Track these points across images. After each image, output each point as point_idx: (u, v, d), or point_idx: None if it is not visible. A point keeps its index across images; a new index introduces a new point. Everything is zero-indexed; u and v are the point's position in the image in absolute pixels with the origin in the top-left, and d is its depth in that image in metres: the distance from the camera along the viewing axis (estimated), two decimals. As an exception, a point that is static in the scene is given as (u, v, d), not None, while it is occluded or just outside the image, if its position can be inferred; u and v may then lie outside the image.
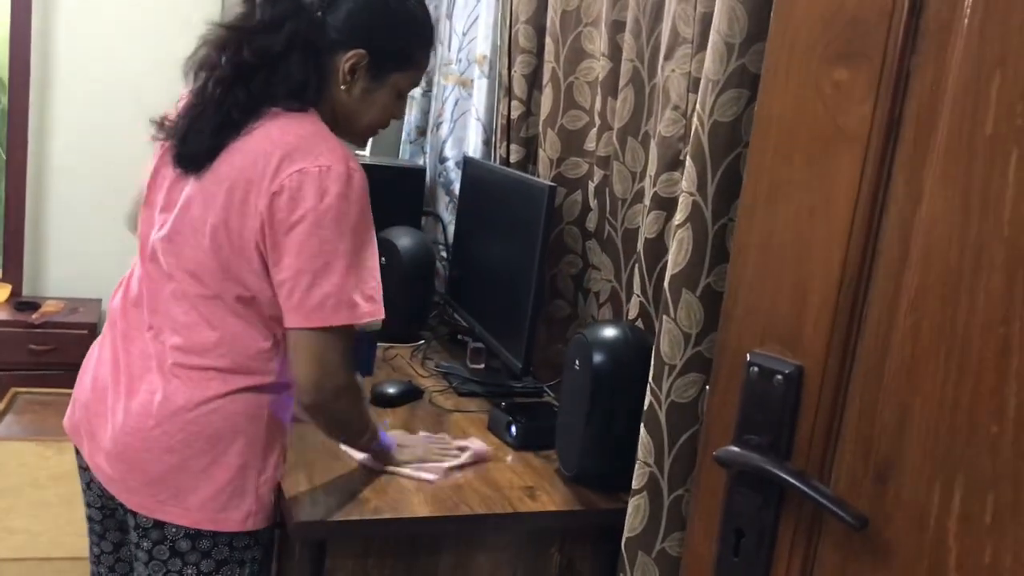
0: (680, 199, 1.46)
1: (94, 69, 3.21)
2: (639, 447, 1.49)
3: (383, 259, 2.36)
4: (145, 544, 1.38)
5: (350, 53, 1.35)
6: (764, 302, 0.82)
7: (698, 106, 1.44)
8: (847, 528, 0.75)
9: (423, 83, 2.79)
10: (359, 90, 1.39)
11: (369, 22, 1.36)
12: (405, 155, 2.86)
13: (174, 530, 1.37)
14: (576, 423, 1.61)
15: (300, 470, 1.56)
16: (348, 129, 1.44)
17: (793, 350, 0.78)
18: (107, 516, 1.53)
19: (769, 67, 0.84)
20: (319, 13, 1.34)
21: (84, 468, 1.50)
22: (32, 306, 3.09)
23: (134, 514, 1.38)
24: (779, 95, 0.82)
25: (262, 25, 1.33)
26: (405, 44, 1.41)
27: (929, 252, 0.73)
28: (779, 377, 0.79)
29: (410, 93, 2.77)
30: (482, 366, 2.21)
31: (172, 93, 1.52)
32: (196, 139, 1.34)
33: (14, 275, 3.22)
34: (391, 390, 1.99)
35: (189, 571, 1.38)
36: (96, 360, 1.48)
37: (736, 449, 0.81)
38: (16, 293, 3.21)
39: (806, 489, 0.76)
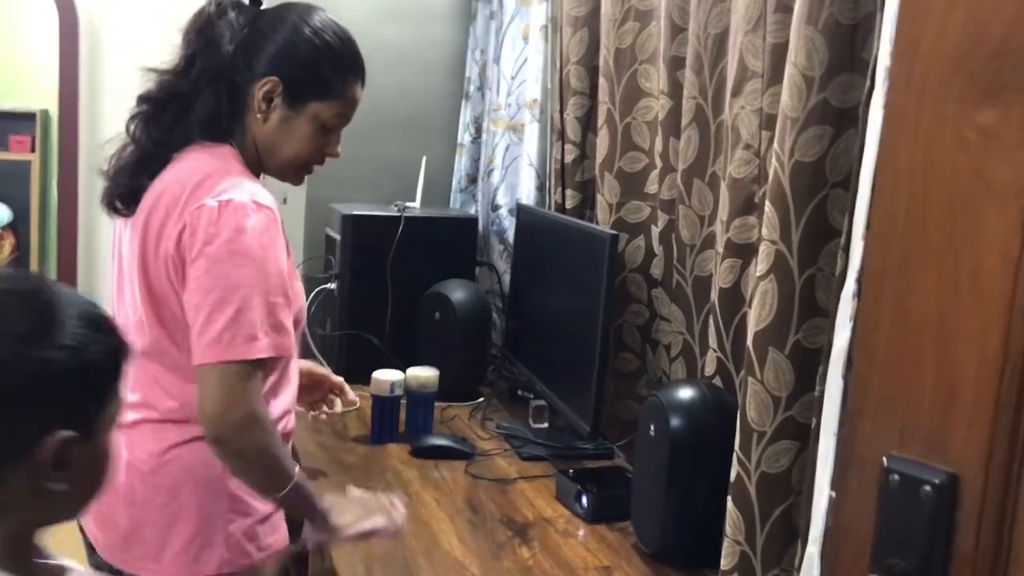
0: (760, 248, 1.34)
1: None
2: (727, 522, 1.35)
3: (437, 314, 2.30)
4: None
5: (263, 81, 1.36)
6: (901, 393, 0.67)
7: (776, 145, 1.32)
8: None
9: (471, 129, 2.71)
10: (277, 119, 1.38)
11: (281, 50, 1.37)
12: (456, 204, 2.78)
13: None
14: (654, 495, 1.48)
15: (357, 562, 1.45)
16: (272, 163, 1.42)
17: (942, 454, 0.64)
18: None
19: (893, 114, 0.71)
20: (230, 47, 1.36)
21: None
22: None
23: (120, 572, 1.38)
24: (907, 146, 0.68)
25: (176, 65, 1.38)
26: (320, 72, 1.39)
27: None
28: (927, 488, 0.64)
29: (459, 141, 2.76)
30: (545, 425, 2.08)
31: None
32: (119, 179, 1.38)
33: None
34: (433, 441, 1.94)
35: None
36: None
37: (876, 576, 0.67)
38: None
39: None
